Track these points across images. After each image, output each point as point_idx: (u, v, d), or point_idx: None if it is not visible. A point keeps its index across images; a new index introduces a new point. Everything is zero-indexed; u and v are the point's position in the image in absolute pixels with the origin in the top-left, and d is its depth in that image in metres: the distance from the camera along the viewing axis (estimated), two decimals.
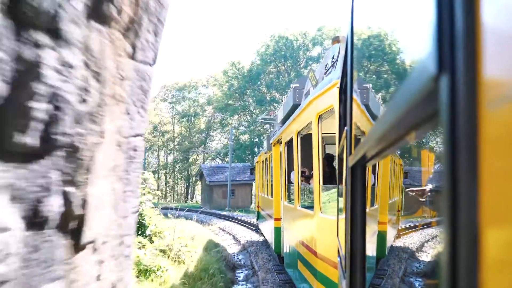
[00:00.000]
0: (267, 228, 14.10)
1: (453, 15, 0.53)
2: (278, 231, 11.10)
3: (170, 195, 72.52)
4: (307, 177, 7.90)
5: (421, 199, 1.45)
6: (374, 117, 1.74)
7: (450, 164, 0.51)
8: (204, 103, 66.67)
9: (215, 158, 63.21)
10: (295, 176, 7.52)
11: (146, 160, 76.21)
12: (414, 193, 1.62)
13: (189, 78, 70.11)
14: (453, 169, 0.50)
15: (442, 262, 0.52)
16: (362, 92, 2.08)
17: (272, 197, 12.06)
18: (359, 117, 2.02)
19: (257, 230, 20.75)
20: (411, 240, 1.50)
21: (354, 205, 1.97)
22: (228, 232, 24.45)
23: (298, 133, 7.35)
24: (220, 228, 26.01)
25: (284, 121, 10.77)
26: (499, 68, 0.41)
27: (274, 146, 11.20)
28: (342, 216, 2.68)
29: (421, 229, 1.43)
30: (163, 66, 69.00)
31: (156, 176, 74.19)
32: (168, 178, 72.80)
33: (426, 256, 1.18)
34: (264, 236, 16.59)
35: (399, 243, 1.72)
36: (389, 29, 1.44)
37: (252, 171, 24.21)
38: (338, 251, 3.13)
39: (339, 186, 3.49)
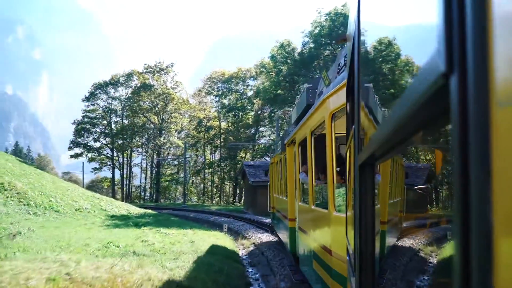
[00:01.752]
0: (282, 229, 14.25)
1: (463, 13, 0.51)
2: (293, 231, 11.17)
3: (217, 196, 66.87)
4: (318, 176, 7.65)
5: (425, 198, 1.46)
6: (382, 116, 1.74)
7: (461, 162, 0.49)
8: (252, 95, 60.47)
9: (263, 155, 56.81)
10: (309, 175, 7.53)
11: (190, 158, 71.21)
12: (418, 192, 1.55)
13: (236, 68, 64.29)
14: (465, 167, 0.48)
15: (455, 261, 0.51)
16: (369, 90, 2.05)
17: (286, 197, 12.12)
18: (366, 115, 2.05)
19: (272, 231, 21.27)
20: (414, 240, 1.47)
21: (363, 204, 2.04)
22: (268, 259, 15.59)
23: (312, 132, 7.44)
24: (256, 246, 19.30)
25: (297, 121, 10.64)
26: (510, 66, 0.40)
27: (288, 146, 11.44)
28: (350, 214, 2.84)
29: (426, 228, 1.39)
30: (207, 56, 63.39)
31: (202, 175, 69.05)
32: (214, 178, 67.26)
33: (434, 255, 1.19)
34: (279, 237, 16.72)
35: (402, 242, 1.69)
36: (397, 26, 1.47)
37: (266, 172, 24.48)
38: (347, 249, 3.24)
39: (346, 184, 3.62)
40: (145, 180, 75.23)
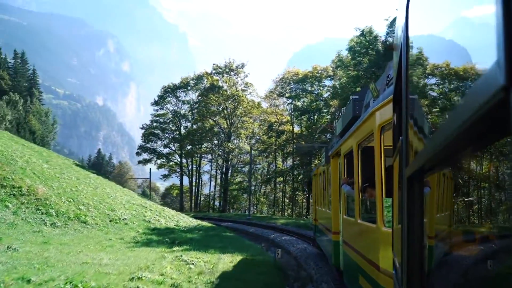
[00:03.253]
0: (325, 242, 13.84)
1: None
2: (336, 245, 10.95)
3: (289, 208, 60.83)
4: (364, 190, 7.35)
5: (476, 212, 1.44)
6: (431, 128, 1.70)
7: None
8: (328, 97, 54.08)
9: None
10: (355, 188, 7.44)
11: (260, 166, 65.88)
12: (469, 206, 1.53)
13: (311, 67, 58.25)
14: None
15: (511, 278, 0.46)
16: (417, 102, 2.02)
17: (330, 210, 12.00)
18: (414, 128, 2.03)
19: (313, 244, 20.44)
20: (464, 255, 1.43)
21: (411, 217, 2.00)
22: None
23: (359, 145, 7.33)
24: None
25: (342, 133, 10.57)
26: None
27: (332, 158, 11.25)
28: (396, 228, 2.78)
29: (478, 244, 1.35)
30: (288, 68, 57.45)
31: (272, 184, 63.48)
32: (285, 187, 61.37)
33: (485, 271, 1.15)
34: (321, 250, 16.13)
35: (451, 258, 1.59)
36: (449, 36, 1.42)
37: (308, 185, 23.80)
38: (393, 263, 3.24)
39: (393, 198, 3.55)
40: (215, 188, 71.17)
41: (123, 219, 24.64)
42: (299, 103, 58.24)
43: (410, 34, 2.10)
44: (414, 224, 1.95)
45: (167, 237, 21.91)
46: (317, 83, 57.19)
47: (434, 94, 1.78)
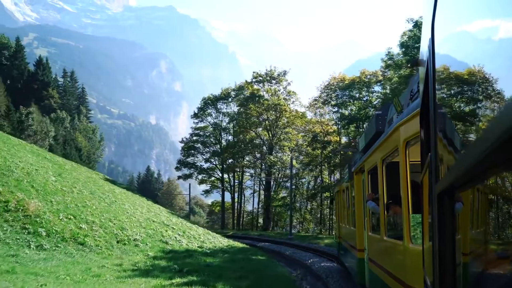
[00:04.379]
0: (350, 259, 13.65)
1: None
2: (361, 262, 10.74)
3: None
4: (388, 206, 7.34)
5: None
6: (462, 143, 1.69)
7: None
8: (378, 103, 49.09)
9: None
10: (380, 205, 7.35)
11: (305, 180, 61.21)
12: (506, 221, 1.48)
13: (358, 72, 53.49)
14: None
15: None
16: (446, 117, 2.02)
17: (354, 227, 11.62)
18: (444, 143, 2.02)
19: (337, 261, 20.04)
20: (500, 273, 1.36)
21: (443, 235, 1.99)
22: None
23: (383, 160, 7.28)
24: None
25: (365, 149, 10.38)
26: None
27: (356, 175, 11.28)
28: (427, 246, 2.76)
29: None
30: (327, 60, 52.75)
31: (318, 200, 58.54)
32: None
33: None
34: (346, 268, 15.79)
35: (487, 275, 1.51)
36: (478, 49, 1.40)
37: (331, 201, 23.84)
38: (424, 282, 3.17)
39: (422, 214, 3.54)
40: (258, 205, 67.05)
41: (134, 240, 21.04)
42: (346, 111, 53.46)
43: (436, 49, 2.10)
44: (446, 241, 1.94)
45: (177, 263, 18.04)
46: (365, 88, 52.28)
47: (465, 110, 1.71)
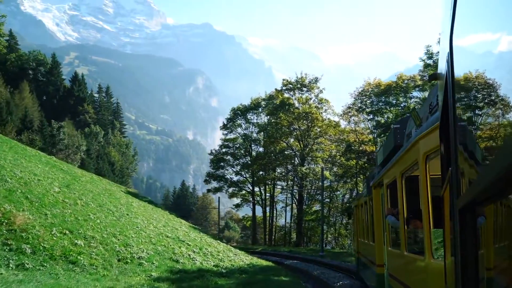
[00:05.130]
0: (369, 275, 13.56)
1: None
2: (381, 278, 10.67)
3: None
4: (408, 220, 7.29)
5: None
6: (484, 158, 1.67)
7: None
8: (418, 108, 45.42)
9: None
10: (400, 219, 7.30)
11: (339, 192, 57.76)
12: None
13: (394, 77, 50.09)
14: None
15: None
16: (467, 131, 2.01)
17: (373, 242, 11.70)
18: (465, 157, 1.99)
19: (356, 277, 19.96)
20: None
21: (465, 250, 1.97)
22: None
23: (402, 174, 7.24)
24: None
25: (384, 163, 10.42)
26: None
27: (374, 189, 11.30)
28: (449, 261, 2.75)
29: None
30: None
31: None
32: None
33: None
34: (364, 283, 15.86)
35: None
36: (498, 61, 1.39)
37: (350, 216, 23.86)
38: None
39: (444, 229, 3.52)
40: (290, 219, 63.92)
41: (138, 258, 18.68)
42: (382, 119, 50.03)
43: (454, 62, 2.11)
44: (468, 256, 1.92)
45: (182, 286, 15.51)
46: (402, 94, 48.76)
47: (486, 123, 1.70)
